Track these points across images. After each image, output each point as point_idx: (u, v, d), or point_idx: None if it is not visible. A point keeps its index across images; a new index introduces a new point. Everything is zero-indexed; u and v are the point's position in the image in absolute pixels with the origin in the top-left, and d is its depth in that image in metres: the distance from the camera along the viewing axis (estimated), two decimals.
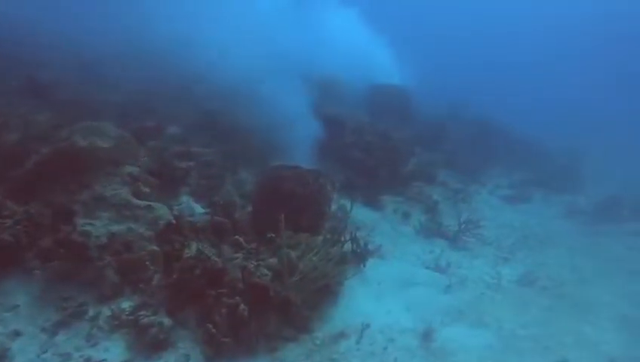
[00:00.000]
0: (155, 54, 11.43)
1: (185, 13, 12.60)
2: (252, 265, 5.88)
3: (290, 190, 7.34)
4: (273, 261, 6.24)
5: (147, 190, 6.98)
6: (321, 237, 7.12)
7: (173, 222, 6.68)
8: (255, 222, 7.57)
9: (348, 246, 7.94)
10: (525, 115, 23.81)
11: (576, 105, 31.52)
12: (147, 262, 5.97)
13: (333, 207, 9.73)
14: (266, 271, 5.92)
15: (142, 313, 5.38)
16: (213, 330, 5.20)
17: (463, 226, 10.34)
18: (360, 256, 7.98)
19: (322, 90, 13.52)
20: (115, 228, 6.11)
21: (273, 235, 6.69)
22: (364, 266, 7.88)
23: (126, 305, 5.51)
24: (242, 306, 5.41)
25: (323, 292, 6.55)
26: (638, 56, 47.19)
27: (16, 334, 4.82)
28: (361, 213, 10.27)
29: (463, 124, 19.50)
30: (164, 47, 11.35)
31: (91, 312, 5.31)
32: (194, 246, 5.97)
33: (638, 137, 24.12)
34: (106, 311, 5.34)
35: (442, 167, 15.13)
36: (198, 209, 7.87)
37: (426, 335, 6.31)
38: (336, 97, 14.38)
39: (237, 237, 6.74)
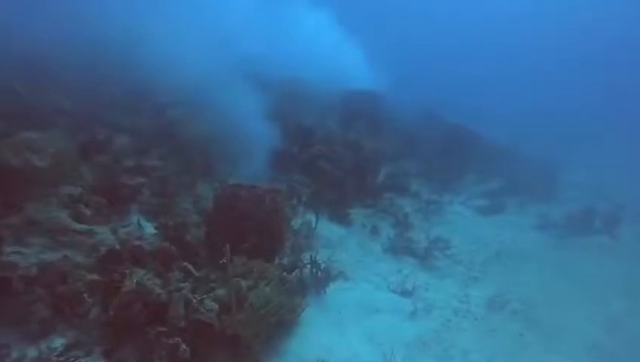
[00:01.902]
0: (110, 53, 10.78)
1: (144, 11, 11.97)
2: (196, 300, 5.38)
3: (245, 211, 6.86)
4: (222, 292, 5.76)
5: (89, 212, 6.44)
6: (276, 263, 6.65)
7: (117, 247, 6.16)
8: (209, 244, 7.07)
9: (308, 270, 7.50)
10: (501, 123, 23.67)
11: (553, 115, 31.64)
12: (84, 294, 5.45)
13: (298, 222, 9.30)
14: (212, 306, 5.43)
15: (73, 353, 4.90)
16: None
17: (432, 244, 9.96)
18: (321, 280, 7.52)
19: (291, 97, 13.10)
20: (48, 256, 5.59)
21: (224, 261, 6.22)
22: (325, 292, 7.44)
23: (58, 343, 5.01)
24: (183, 347, 4.94)
25: (278, 322, 6.10)
26: (617, 67, 47.81)
27: None
28: (327, 229, 9.85)
29: (437, 132, 19.18)
30: (118, 46, 10.71)
31: (15, 354, 4.77)
32: (135, 277, 5.46)
33: (613, 148, 24.21)
34: (32, 352, 4.82)
35: (415, 177, 14.82)
36: (149, 229, 7.28)
37: None
38: (305, 104, 13.89)
39: (185, 264, 6.23)
